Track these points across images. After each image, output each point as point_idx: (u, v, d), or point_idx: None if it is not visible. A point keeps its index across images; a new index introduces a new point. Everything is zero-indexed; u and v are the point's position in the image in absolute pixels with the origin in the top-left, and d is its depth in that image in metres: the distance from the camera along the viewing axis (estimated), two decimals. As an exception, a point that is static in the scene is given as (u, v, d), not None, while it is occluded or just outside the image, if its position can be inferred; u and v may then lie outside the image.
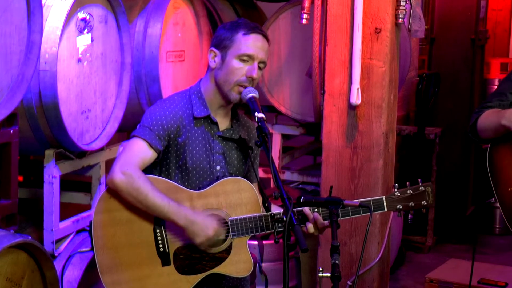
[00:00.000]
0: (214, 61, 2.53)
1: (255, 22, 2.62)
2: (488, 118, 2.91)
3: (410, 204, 2.55)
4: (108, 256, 2.46)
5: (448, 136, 5.68)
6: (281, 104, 4.39)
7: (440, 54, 5.93)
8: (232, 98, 2.51)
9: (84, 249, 2.77)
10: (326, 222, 2.46)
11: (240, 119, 2.65)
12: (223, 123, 2.60)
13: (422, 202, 2.56)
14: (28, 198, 3.38)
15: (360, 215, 2.51)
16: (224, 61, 2.50)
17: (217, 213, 2.50)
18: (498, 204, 2.90)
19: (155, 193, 2.41)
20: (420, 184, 2.57)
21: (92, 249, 2.48)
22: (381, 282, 3.55)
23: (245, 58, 2.48)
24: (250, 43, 2.48)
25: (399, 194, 2.55)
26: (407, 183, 2.58)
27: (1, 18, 2.63)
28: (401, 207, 2.55)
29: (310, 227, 2.46)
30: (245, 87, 2.49)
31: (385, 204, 2.53)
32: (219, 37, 2.53)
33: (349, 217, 2.51)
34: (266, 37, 2.54)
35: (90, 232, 2.48)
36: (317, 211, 2.49)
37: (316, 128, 4.31)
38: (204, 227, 2.42)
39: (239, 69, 2.48)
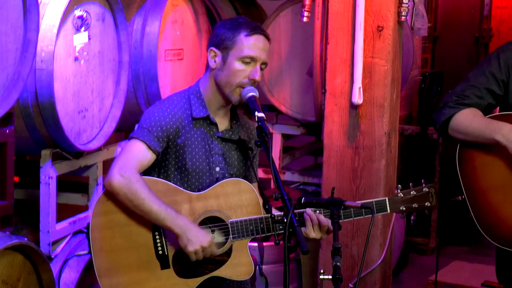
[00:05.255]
0: (214, 61, 2.49)
1: (255, 20, 2.59)
2: (472, 124, 2.79)
3: (413, 205, 2.53)
4: (106, 260, 2.44)
5: (451, 136, 5.63)
6: (281, 104, 4.36)
7: (443, 52, 5.90)
8: (234, 100, 2.49)
9: (81, 252, 2.75)
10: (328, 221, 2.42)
11: (240, 119, 2.63)
12: (223, 123, 2.57)
13: (426, 204, 2.54)
14: (24, 199, 3.37)
15: (362, 216, 2.48)
16: (226, 63, 2.46)
17: (217, 215, 2.47)
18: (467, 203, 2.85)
19: (153, 198, 2.39)
20: (423, 185, 2.54)
21: (89, 252, 2.45)
22: (383, 285, 3.52)
23: (247, 60, 2.45)
24: (252, 45, 2.45)
25: (402, 195, 2.53)
26: (410, 184, 2.55)
27: (-4, 15, 2.61)
28: (404, 208, 2.53)
29: (310, 227, 2.42)
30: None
31: (388, 205, 2.51)
32: (219, 37, 2.48)
33: (351, 218, 2.47)
34: (267, 37, 2.51)
35: (87, 234, 2.45)
36: (318, 212, 2.45)
37: (317, 128, 4.29)
38: (200, 235, 2.39)
39: (241, 71, 2.45)
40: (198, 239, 2.38)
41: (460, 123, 2.83)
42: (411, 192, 2.53)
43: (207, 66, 2.54)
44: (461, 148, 2.86)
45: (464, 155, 2.86)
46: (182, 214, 2.42)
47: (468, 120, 2.81)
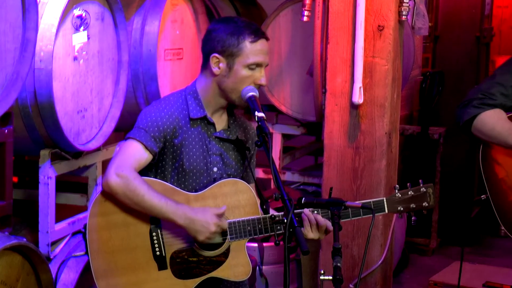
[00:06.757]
0: (218, 68, 2.48)
1: (255, 20, 2.58)
2: (496, 128, 2.83)
3: (411, 205, 2.52)
4: (103, 261, 2.43)
5: (452, 136, 5.62)
6: (281, 103, 4.35)
7: (444, 52, 5.88)
8: (238, 103, 2.50)
9: (78, 253, 2.73)
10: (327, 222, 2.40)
11: (237, 119, 2.62)
12: (220, 123, 2.56)
13: (423, 204, 2.53)
14: (23, 199, 3.36)
15: (360, 216, 2.47)
16: (232, 70, 2.46)
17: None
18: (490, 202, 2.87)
19: (152, 193, 2.38)
20: (421, 185, 2.54)
21: (86, 253, 2.44)
22: (384, 285, 3.51)
23: (253, 66, 2.46)
24: (258, 51, 2.46)
25: (400, 195, 2.52)
26: (408, 184, 2.54)
27: (-5, 15, 2.60)
28: (402, 208, 2.52)
29: (308, 227, 2.41)
30: None
31: (385, 205, 2.50)
32: (221, 43, 2.46)
33: (349, 219, 2.47)
34: (267, 38, 2.53)
35: (84, 235, 2.44)
36: (316, 213, 2.44)
37: (317, 127, 4.28)
38: (205, 223, 2.38)
39: (248, 78, 2.46)
40: (205, 228, 2.37)
41: (483, 125, 2.86)
42: (409, 192, 2.52)
43: (203, 66, 2.53)
44: (484, 148, 2.88)
45: (486, 154, 2.88)
46: (183, 204, 2.41)
47: (492, 123, 2.85)
